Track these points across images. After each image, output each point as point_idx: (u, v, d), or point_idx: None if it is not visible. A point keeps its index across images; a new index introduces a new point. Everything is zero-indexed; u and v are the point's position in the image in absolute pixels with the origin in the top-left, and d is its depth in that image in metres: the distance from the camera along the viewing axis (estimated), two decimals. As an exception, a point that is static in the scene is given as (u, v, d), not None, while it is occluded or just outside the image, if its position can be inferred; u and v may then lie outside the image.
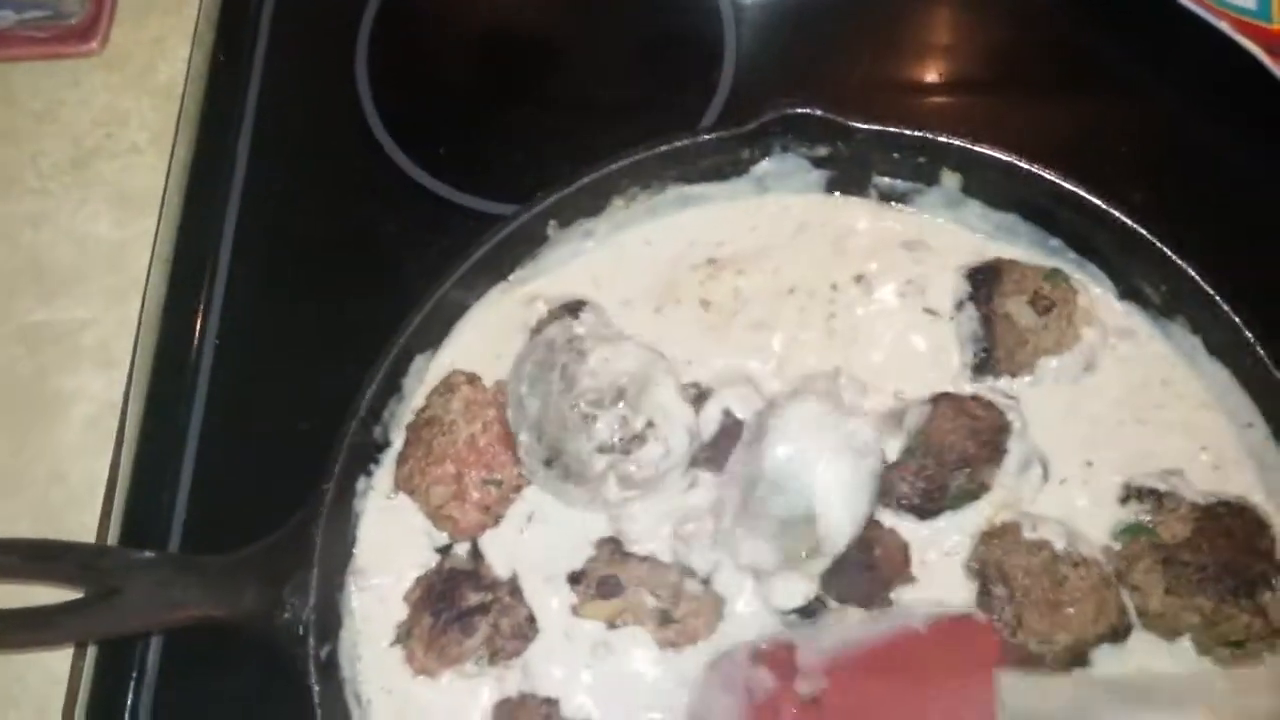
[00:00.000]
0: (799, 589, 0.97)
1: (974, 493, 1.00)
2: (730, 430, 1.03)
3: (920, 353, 1.08)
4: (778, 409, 0.98)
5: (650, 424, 0.98)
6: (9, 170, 1.28)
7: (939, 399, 1.03)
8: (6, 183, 1.27)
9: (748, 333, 1.09)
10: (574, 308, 1.07)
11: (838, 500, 0.95)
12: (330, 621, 0.99)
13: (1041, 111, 1.31)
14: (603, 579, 0.99)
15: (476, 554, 1.02)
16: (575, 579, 1.00)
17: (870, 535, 0.99)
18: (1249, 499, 1.01)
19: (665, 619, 0.98)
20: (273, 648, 0.97)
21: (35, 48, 1.29)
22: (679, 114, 1.29)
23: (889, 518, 1.00)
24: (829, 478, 0.95)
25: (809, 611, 0.98)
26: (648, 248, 1.12)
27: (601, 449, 0.98)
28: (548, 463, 1.00)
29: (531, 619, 1.00)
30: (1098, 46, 1.34)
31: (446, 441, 1.01)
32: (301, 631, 0.96)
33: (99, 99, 1.31)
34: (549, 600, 1.00)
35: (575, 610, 1.00)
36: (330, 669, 0.98)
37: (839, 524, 0.95)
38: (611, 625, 0.99)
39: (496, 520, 1.02)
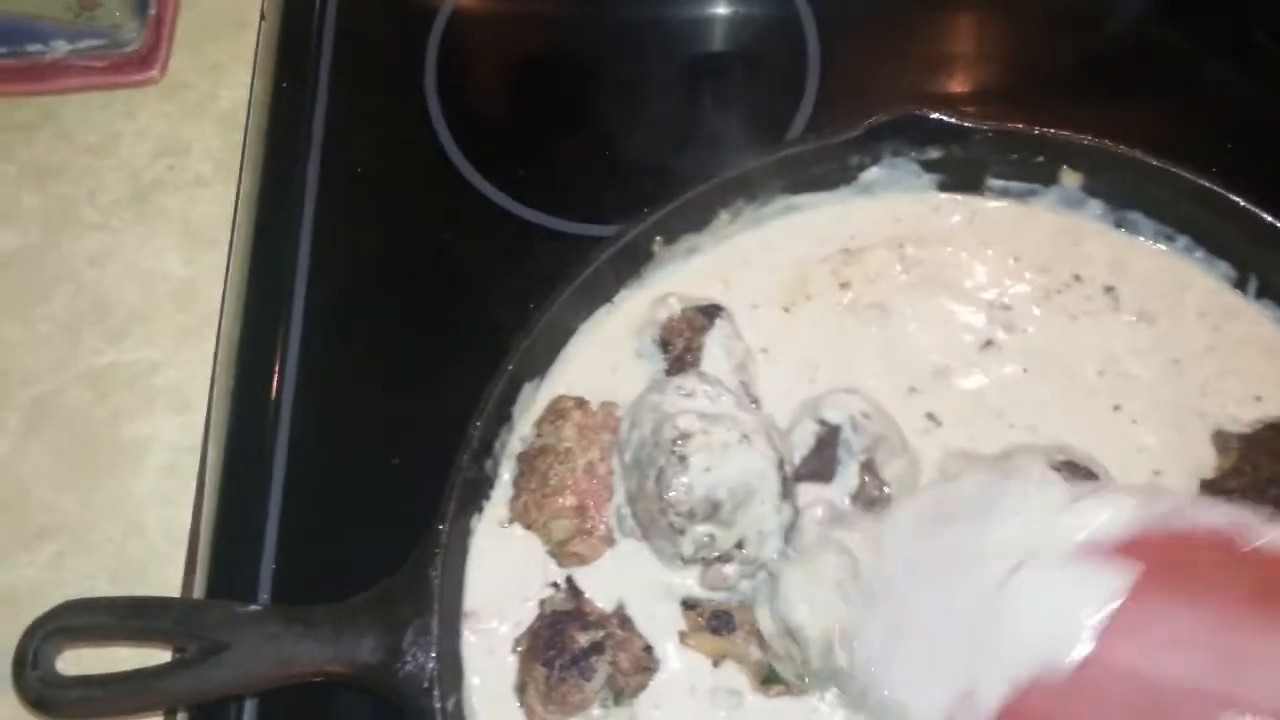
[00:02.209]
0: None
1: None
2: (826, 439, 0.97)
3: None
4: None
5: (740, 544, 0.92)
6: (67, 208, 1.22)
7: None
8: (65, 220, 1.21)
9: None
10: (709, 312, 1.01)
11: None
12: (453, 671, 0.92)
13: (1141, 113, 1.26)
14: (716, 613, 0.94)
15: (574, 590, 0.96)
16: (690, 605, 0.94)
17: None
18: None
19: (770, 677, 0.92)
20: (393, 703, 0.90)
21: (92, 78, 1.23)
22: (765, 127, 1.24)
23: None
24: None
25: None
26: (769, 250, 1.08)
27: (685, 560, 0.93)
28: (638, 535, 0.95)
29: (649, 649, 0.93)
30: (1188, 48, 1.30)
31: (564, 470, 0.95)
32: (427, 684, 0.89)
33: (158, 129, 1.25)
34: (663, 626, 0.94)
35: (682, 637, 0.94)
36: (457, 721, 0.91)
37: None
38: (715, 662, 0.93)
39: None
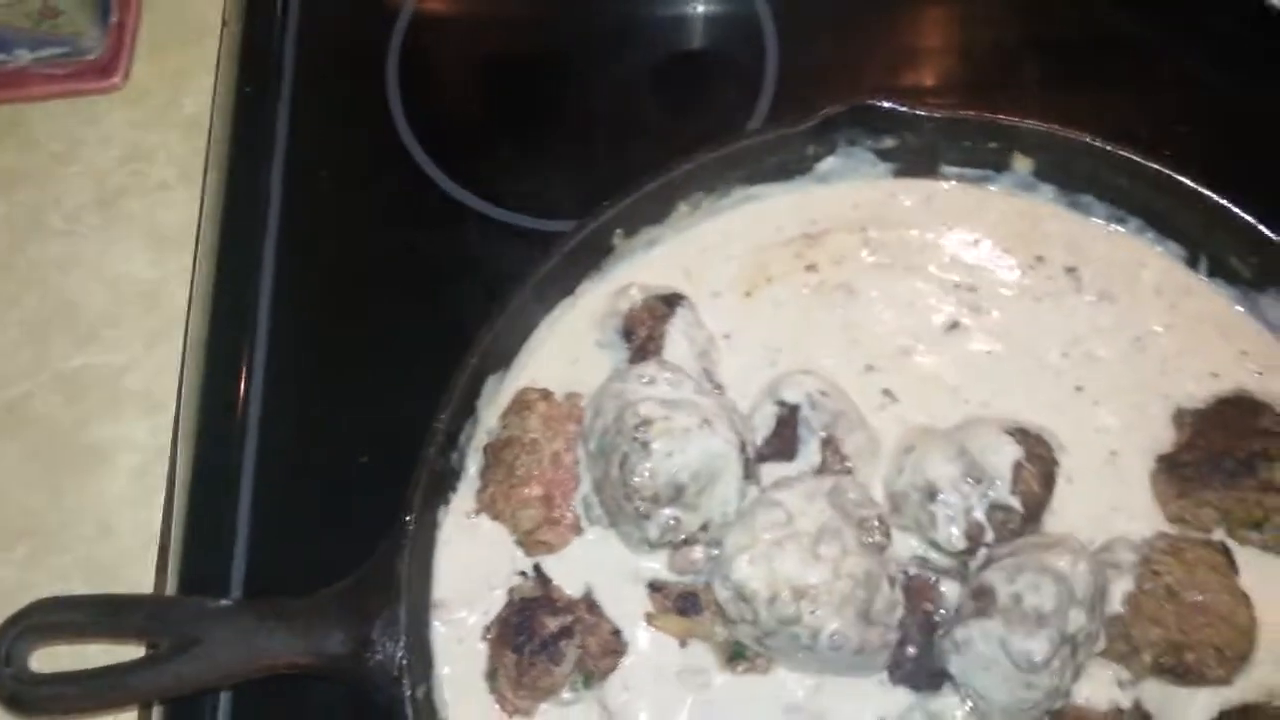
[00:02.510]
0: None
1: None
2: (786, 419, 0.98)
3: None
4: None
5: (705, 526, 0.94)
6: (33, 214, 1.23)
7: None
8: (31, 227, 1.22)
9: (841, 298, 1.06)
10: (670, 300, 1.02)
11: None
12: (422, 660, 0.93)
13: (1096, 99, 1.27)
14: (683, 594, 0.95)
15: (542, 577, 0.97)
16: (656, 587, 0.96)
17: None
18: (1245, 386, 1.00)
19: (737, 653, 0.93)
20: (364, 692, 0.92)
21: (54, 85, 1.25)
22: (722, 122, 1.26)
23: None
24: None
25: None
26: (729, 238, 1.09)
27: (651, 544, 0.95)
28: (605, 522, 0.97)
29: (617, 632, 0.95)
30: (1143, 35, 1.32)
31: (530, 461, 0.97)
32: (396, 673, 0.90)
33: (122, 136, 1.26)
34: (630, 609, 0.95)
35: (648, 619, 0.95)
36: (427, 711, 0.92)
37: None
38: (682, 643, 0.95)
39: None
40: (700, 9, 1.36)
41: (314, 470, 1.13)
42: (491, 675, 0.94)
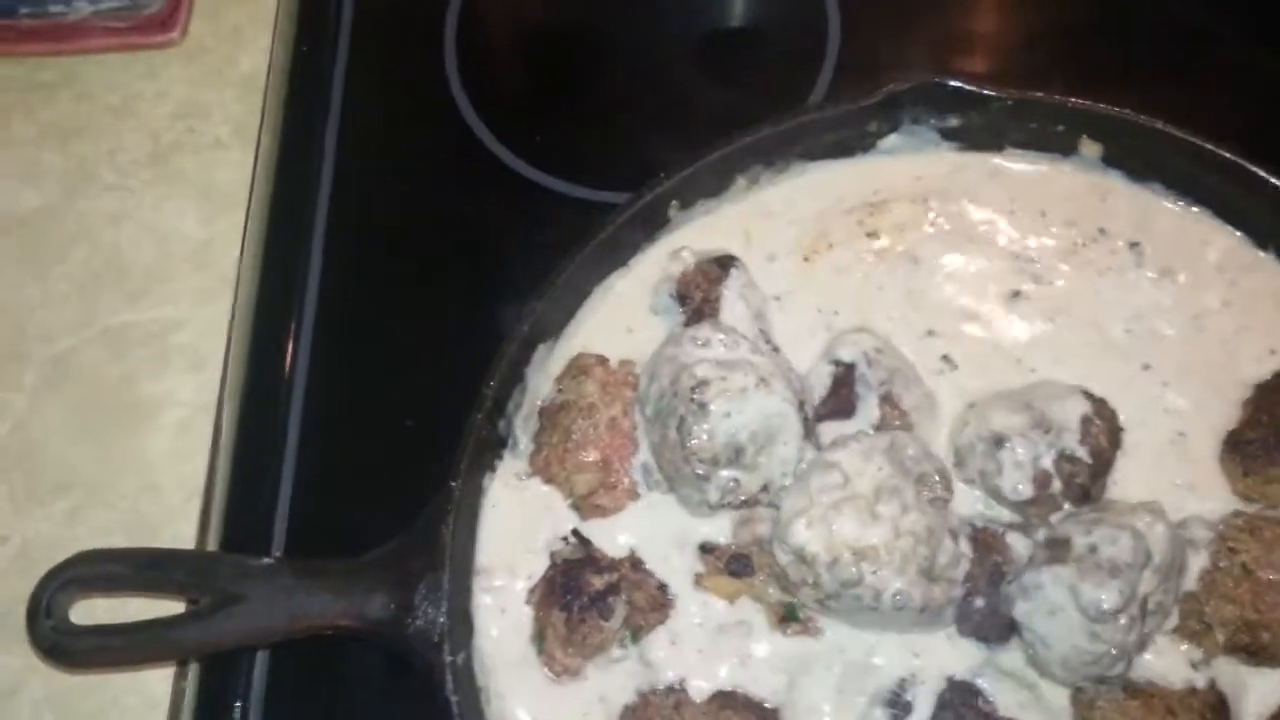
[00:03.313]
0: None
1: None
2: (843, 377, 0.97)
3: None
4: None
5: (765, 488, 0.92)
6: (85, 166, 1.22)
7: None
8: (83, 179, 1.22)
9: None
10: (724, 262, 1.01)
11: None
12: (463, 627, 0.92)
13: (1164, 88, 1.24)
14: (735, 556, 0.94)
15: (583, 540, 0.96)
16: (708, 549, 0.94)
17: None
18: None
19: (790, 615, 0.92)
20: (403, 657, 0.91)
21: (112, 39, 1.24)
22: (782, 97, 1.24)
23: None
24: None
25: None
26: (790, 204, 1.08)
27: (711, 506, 0.93)
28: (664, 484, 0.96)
29: (663, 587, 0.93)
30: (1210, 22, 1.30)
31: (587, 425, 0.95)
32: (437, 639, 0.89)
33: (178, 92, 1.25)
34: (676, 566, 0.94)
35: (698, 580, 0.94)
36: (466, 678, 0.91)
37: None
38: (731, 601, 0.93)
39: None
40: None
41: (359, 433, 1.12)
42: (539, 637, 0.93)
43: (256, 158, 1.22)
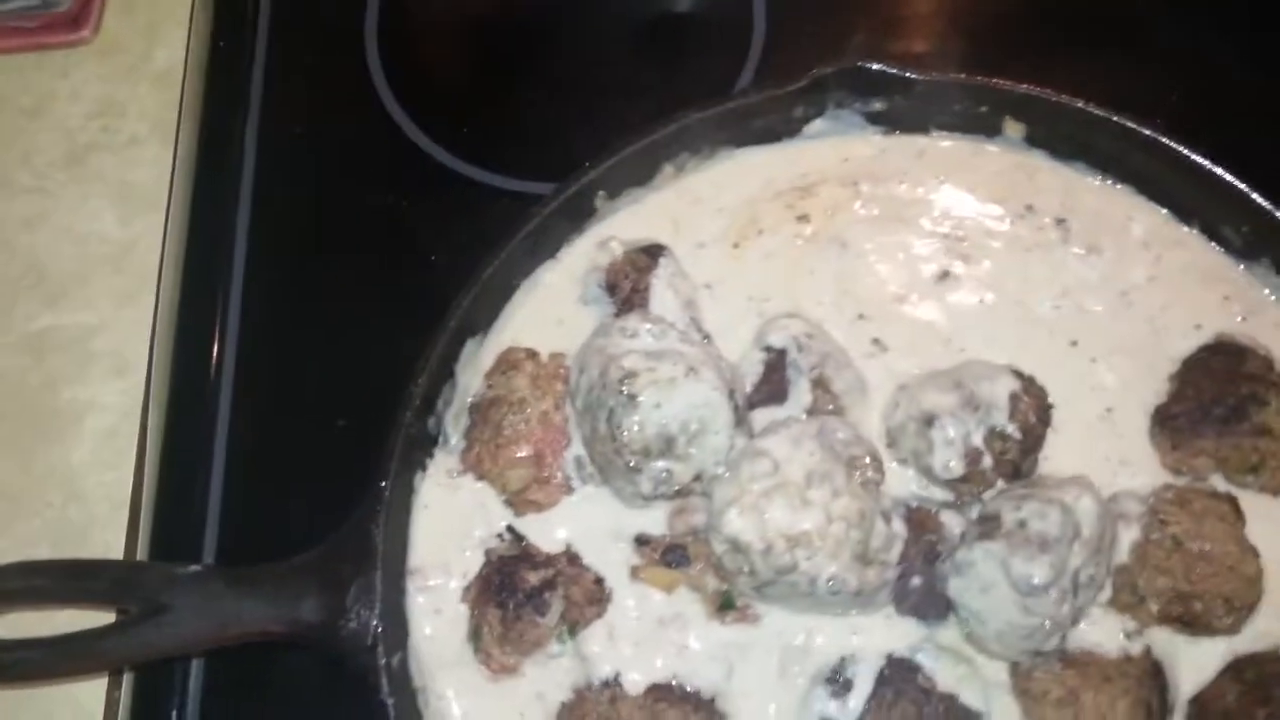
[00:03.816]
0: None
1: None
2: (774, 363, 0.97)
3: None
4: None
5: (698, 477, 0.92)
6: (0, 170, 1.19)
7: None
8: (-2, 183, 1.19)
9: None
10: (652, 252, 1.01)
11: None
12: (397, 628, 0.91)
13: (1090, 67, 1.23)
14: (671, 547, 0.93)
15: (517, 536, 0.95)
16: (643, 541, 0.94)
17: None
18: (1228, 332, 1.00)
19: (727, 603, 0.92)
20: (336, 661, 0.90)
21: (22, 38, 1.21)
22: (708, 84, 1.23)
23: None
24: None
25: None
26: (718, 190, 1.07)
27: (645, 498, 0.93)
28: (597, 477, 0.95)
29: (600, 581, 0.93)
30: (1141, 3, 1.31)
31: (518, 420, 0.95)
32: (370, 641, 0.88)
33: (92, 90, 1.22)
34: (612, 558, 0.94)
35: (635, 572, 0.93)
36: (401, 679, 0.90)
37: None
38: (668, 592, 0.93)
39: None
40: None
41: (289, 434, 1.10)
42: (475, 634, 0.92)
43: (175, 155, 1.19)
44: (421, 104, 1.23)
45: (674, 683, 0.90)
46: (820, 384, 0.96)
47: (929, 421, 0.93)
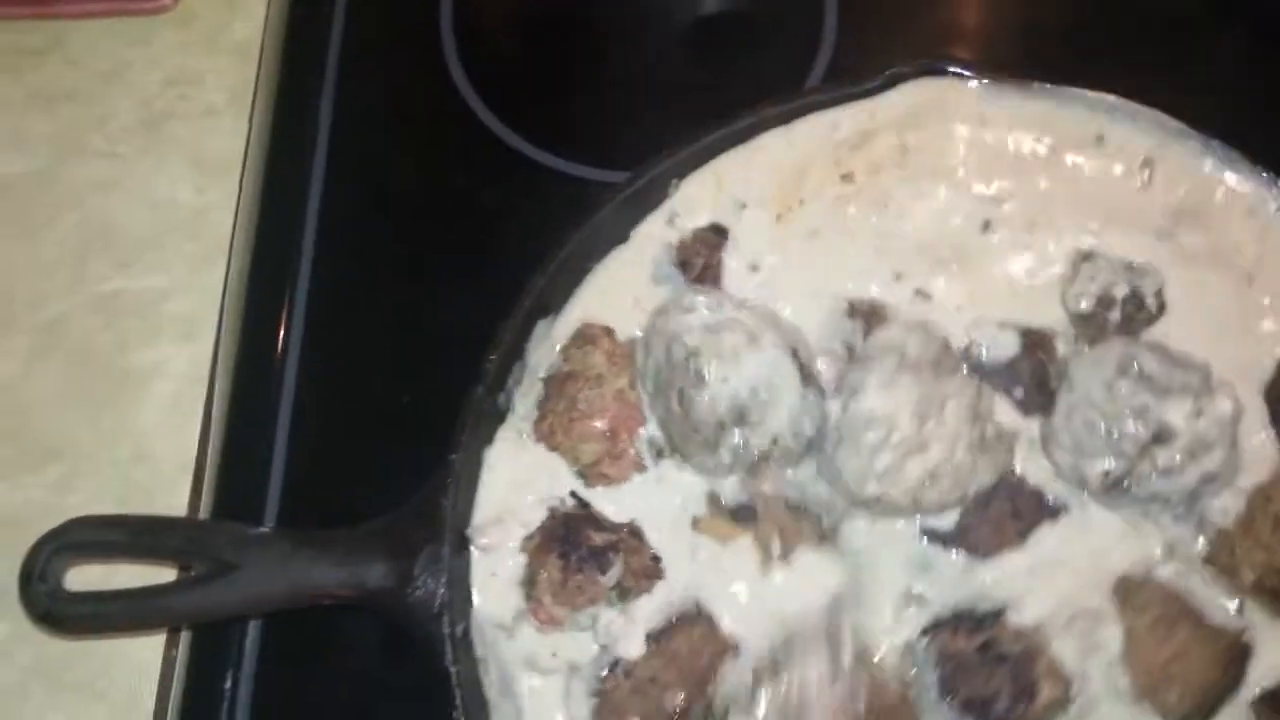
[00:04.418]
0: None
1: None
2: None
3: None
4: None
5: (775, 440, 0.93)
6: (75, 133, 1.21)
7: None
8: (73, 146, 1.20)
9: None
10: (720, 229, 1.02)
11: None
12: (462, 598, 0.92)
13: (1155, 77, 1.22)
14: (740, 505, 0.94)
15: (582, 502, 0.96)
16: (713, 499, 0.95)
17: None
18: None
19: (782, 559, 0.93)
20: (401, 627, 0.91)
21: (104, 4, 1.23)
22: (781, 76, 1.24)
23: None
24: None
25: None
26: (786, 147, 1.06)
27: (727, 468, 0.94)
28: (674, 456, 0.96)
29: (657, 559, 0.94)
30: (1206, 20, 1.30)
31: (594, 395, 0.95)
32: (436, 609, 0.89)
33: (170, 58, 1.24)
34: (674, 544, 0.94)
35: (695, 522, 0.94)
36: (465, 648, 0.91)
37: None
38: (723, 543, 0.94)
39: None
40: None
41: (354, 405, 1.11)
42: (530, 581, 0.93)
43: (250, 125, 1.21)
44: (494, 87, 1.23)
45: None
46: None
47: (1087, 257, 0.98)
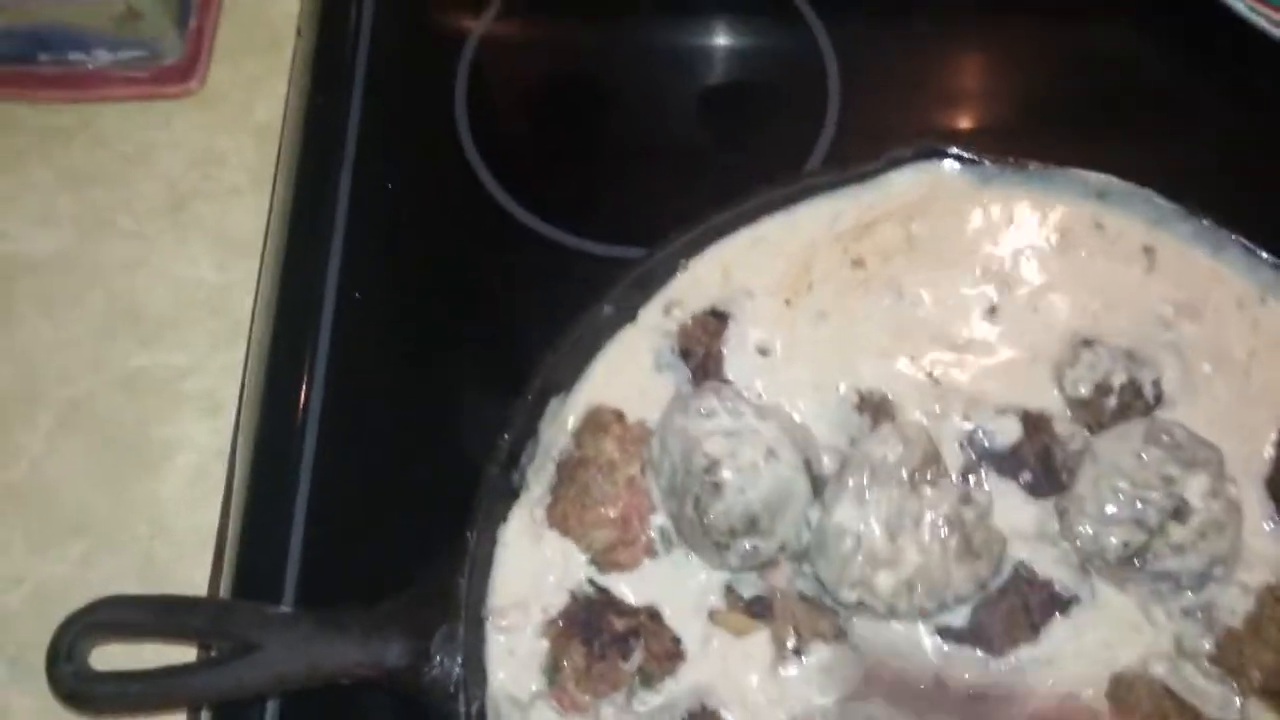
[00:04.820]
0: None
1: None
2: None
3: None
4: None
5: (782, 547, 0.95)
6: (101, 214, 1.24)
7: None
8: (99, 226, 1.24)
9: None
10: (721, 315, 1.04)
11: None
12: (478, 676, 0.94)
13: (1150, 154, 1.26)
14: (756, 597, 0.96)
15: (600, 588, 0.97)
16: (730, 590, 0.97)
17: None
18: None
19: (796, 653, 0.94)
20: (416, 705, 0.93)
21: (133, 88, 1.26)
22: (784, 157, 1.27)
23: None
24: None
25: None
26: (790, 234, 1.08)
27: (733, 569, 0.96)
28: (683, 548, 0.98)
29: (677, 640, 0.95)
30: (1199, 95, 1.35)
31: (606, 483, 0.97)
32: (453, 688, 0.91)
33: (194, 140, 1.27)
34: (692, 626, 0.96)
35: (712, 615, 0.96)
36: (481, 726, 0.93)
37: None
38: (738, 636, 0.95)
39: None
40: (765, 41, 1.39)
41: (371, 480, 1.14)
42: (553, 668, 0.94)
43: (271, 205, 1.24)
44: (507, 167, 1.27)
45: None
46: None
47: (1088, 343, 1.00)
